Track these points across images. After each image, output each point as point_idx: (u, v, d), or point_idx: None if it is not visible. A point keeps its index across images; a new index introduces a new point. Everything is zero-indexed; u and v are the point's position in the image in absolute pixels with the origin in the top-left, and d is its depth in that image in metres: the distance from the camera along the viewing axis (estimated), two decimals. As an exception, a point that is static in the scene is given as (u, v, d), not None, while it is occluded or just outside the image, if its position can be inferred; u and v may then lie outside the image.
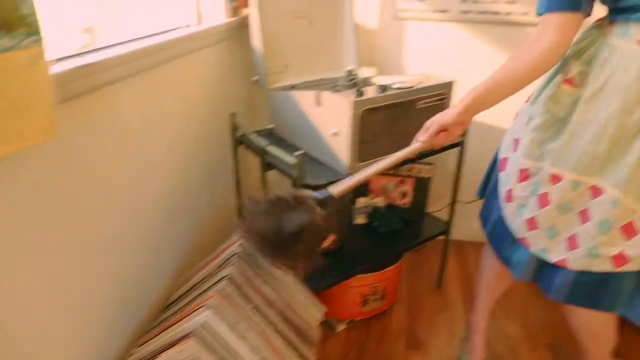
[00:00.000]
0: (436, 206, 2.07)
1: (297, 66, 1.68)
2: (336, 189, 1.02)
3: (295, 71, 1.68)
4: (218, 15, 1.65)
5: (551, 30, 0.96)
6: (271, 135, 1.60)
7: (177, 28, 1.54)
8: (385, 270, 1.64)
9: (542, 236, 1.10)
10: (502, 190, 1.20)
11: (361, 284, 1.62)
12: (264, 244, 0.97)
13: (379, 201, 1.76)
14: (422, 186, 1.73)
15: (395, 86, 1.35)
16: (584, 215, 1.03)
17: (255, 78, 1.60)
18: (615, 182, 0.97)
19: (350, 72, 1.67)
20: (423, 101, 1.38)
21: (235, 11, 1.69)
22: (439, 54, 1.87)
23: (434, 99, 1.40)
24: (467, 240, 2.23)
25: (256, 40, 1.52)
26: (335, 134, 1.29)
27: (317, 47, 1.72)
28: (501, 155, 1.24)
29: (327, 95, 1.29)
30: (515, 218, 1.16)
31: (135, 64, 1.10)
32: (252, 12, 1.50)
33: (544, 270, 1.15)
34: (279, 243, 0.95)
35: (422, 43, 1.87)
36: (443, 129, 1.06)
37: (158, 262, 1.29)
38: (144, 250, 1.21)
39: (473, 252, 2.17)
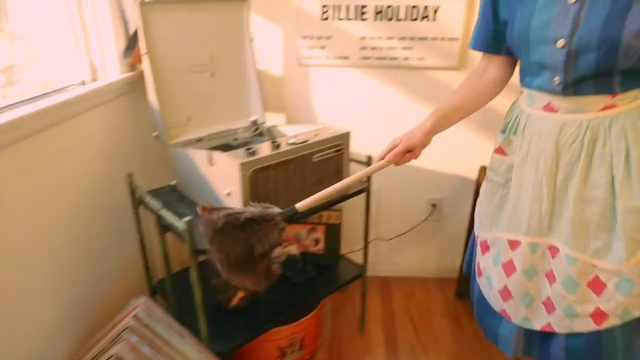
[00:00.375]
0: (357, 245, 2.08)
1: (201, 118, 1.66)
2: (301, 205, 1.05)
3: (199, 123, 1.65)
4: (114, 70, 1.61)
5: (493, 67, 1.11)
6: (173, 192, 1.56)
7: (70, 85, 1.49)
8: (301, 320, 1.61)
9: (519, 305, 1.09)
10: (475, 265, 1.23)
11: (277, 337, 1.59)
12: (231, 263, 0.95)
13: (293, 249, 1.74)
14: (333, 232, 1.73)
15: (289, 141, 1.35)
16: (550, 277, 1.04)
17: (156, 134, 1.56)
18: (565, 240, 0.99)
19: (254, 122, 1.67)
20: (319, 154, 1.38)
21: (133, 66, 1.66)
22: (344, 97, 1.90)
23: (330, 151, 1.41)
24: (391, 276, 2.25)
25: (151, 95, 1.49)
26: (228, 194, 1.27)
27: (221, 98, 1.71)
28: (475, 233, 1.26)
29: (218, 156, 1.28)
30: (488, 291, 1.17)
31: (16, 132, 1.04)
32: (145, 68, 1.47)
33: (534, 341, 1.12)
34: (248, 262, 0.96)
35: (327, 88, 1.90)
36: (408, 150, 1.12)
37: (57, 334, 1.21)
38: (42, 323, 1.14)
39: (397, 287, 2.19)
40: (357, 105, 1.92)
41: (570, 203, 0.97)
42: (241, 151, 1.27)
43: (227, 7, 1.65)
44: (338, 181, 1.47)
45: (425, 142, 1.13)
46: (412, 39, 1.79)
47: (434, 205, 2.09)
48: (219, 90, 1.69)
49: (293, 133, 1.56)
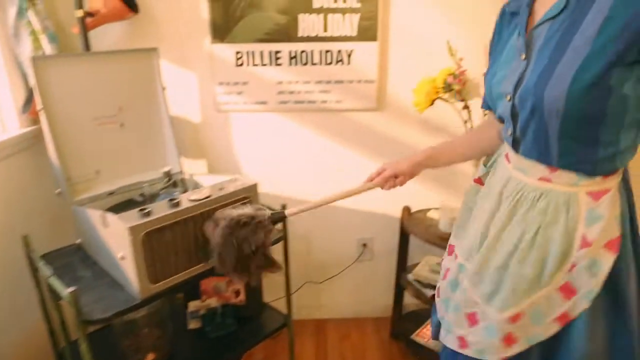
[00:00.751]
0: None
1: (112, 171, 1.59)
2: (290, 211, 1.16)
3: (110, 176, 1.59)
4: (13, 125, 1.54)
5: (496, 123, 1.11)
6: (78, 251, 1.48)
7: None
8: (220, 379, 1.54)
9: (441, 305, 1.17)
10: None
11: (194, 398, 1.51)
12: (226, 262, 1.12)
13: (213, 302, 1.68)
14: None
15: (191, 198, 1.30)
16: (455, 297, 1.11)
17: (59, 190, 1.49)
18: (467, 273, 1.04)
19: (167, 174, 1.62)
20: (223, 209, 1.34)
21: (35, 120, 1.59)
22: (265, 141, 1.88)
23: (236, 204, 1.37)
24: (327, 318, 2.21)
25: (51, 152, 1.42)
26: (122, 258, 1.21)
27: (133, 149, 1.65)
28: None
29: (111, 217, 1.22)
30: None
31: None
32: (42, 124, 1.40)
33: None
34: (240, 260, 1.12)
35: (248, 132, 1.87)
36: (395, 176, 1.17)
37: None
38: None
39: (332, 330, 2.14)
40: (278, 149, 1.90)
41: (485, 244, 1.00)
42: (134, 212, 1.21)
43: (135, 57, 1.61)
44: (247, 234, 1.46)
45: (412, 173, 1.18)
46: (328, 82, 1.79)
47: (364, 245, 2.07)
48: (130, 141, 1.64)
49: (208, 183, 1.52)
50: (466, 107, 1.69)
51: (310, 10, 1.70)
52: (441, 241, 1.65)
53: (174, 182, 1.63)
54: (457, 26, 1.73)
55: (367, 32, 1.73)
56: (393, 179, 1.18)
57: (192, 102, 1.84)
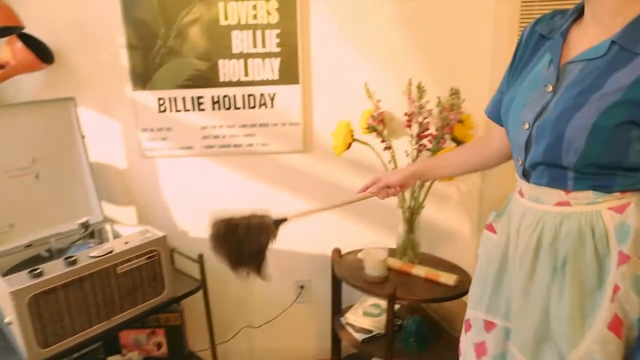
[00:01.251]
0: (228, 335, 1.99)
1: (27, 224, 1.55)
2: (291, 215, 1.19)
3: (25, 229, 1.55)
4: None
5: (497, 137, 1.09)
6: (-17, 311, 1.42)
7: None
8: None
9: None
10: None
11: None
12: (231, 258, 1.15)
13: (134, 356, 1.62)
14: (175, 334, 1.64)
15: (91, 254, 1.27)
16: None
17: (-34, 247, 1.44)
18: (512, 332, 0.97)
19: (84, 224, 1.59)
20: (126, 264, 1.31)
21: (-57, 175, 1.55)
22: (193, 186, 1.86)
23: (141, 258, 1.34)
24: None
25: (-46, 209, 1.38)
26: (9, 323, 1.16)
27: (50, 200, 1.61)
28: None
29: (-1, 280, 1.17)
30: None
31: None
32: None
33: None
34: (243, 257, 1.16)
35: (175, 178, 1.85)
36: (387, 186, 1.20)
37: None
38: None
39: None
40: (207, 193, 1.87)
41: (515, 295, 0.95)
42: (24, 273, 1.17)
43: (50, 107, 1.59)
44: (156, 289, 1.42)
45: (403, 184, 1.20)
46: (253, 125, 1.79)
47: (302, 287, 2.03)
48: (47, 192, 1.60)
49: (127, 232, 1.49)
50: (389, 147, 1.69)
51: (229, 55, 1.70)
52: (366, 285, 1.63)
53: (91, 233, 1.60)
54: (376, 68, 1.74)
55: (289, 75, 1.73)
56: (386, 189, 1.21)
57: (116, 148, 1.81)
